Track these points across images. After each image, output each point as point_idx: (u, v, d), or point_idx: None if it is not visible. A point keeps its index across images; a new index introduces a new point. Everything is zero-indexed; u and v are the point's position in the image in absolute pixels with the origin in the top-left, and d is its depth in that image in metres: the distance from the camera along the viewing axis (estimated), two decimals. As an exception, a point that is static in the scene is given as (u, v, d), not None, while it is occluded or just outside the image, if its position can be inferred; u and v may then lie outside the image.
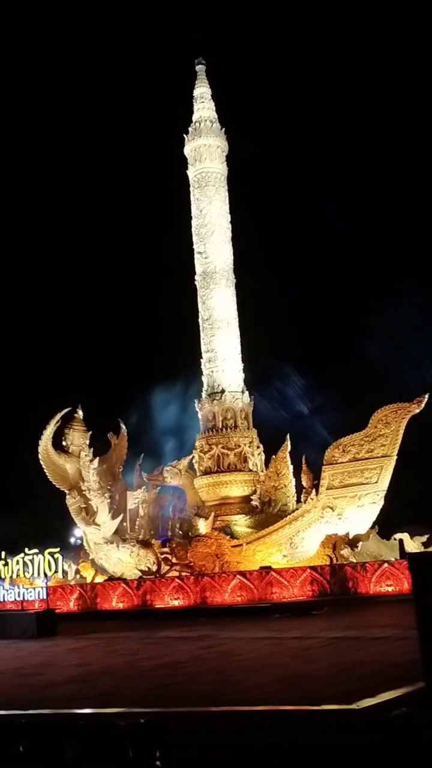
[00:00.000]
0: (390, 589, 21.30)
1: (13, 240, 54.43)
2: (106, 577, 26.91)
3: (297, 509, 26.92)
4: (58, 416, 29.51)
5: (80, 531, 30.93)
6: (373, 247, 45.99)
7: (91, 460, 28.63)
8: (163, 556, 26.36)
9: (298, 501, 28.02)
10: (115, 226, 54.11)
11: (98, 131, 57.98)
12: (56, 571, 20.66)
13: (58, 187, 55.55)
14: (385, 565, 21.85)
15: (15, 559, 20.97)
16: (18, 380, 49.45)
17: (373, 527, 25.79)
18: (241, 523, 28.39)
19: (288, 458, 29.18)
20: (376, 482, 25.52)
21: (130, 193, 55.38)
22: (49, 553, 20.30)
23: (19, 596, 20.94)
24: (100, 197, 55.04)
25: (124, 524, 28.69)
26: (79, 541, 33.77)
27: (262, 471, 30.08)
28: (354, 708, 6.77)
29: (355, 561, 23.10)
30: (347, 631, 14.19)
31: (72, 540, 37.79)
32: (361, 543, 24.38)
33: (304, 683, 8.80)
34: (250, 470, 30.02)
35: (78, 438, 29.54)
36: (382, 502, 25.74)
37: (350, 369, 41.24)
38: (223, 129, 34.77)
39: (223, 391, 31.23)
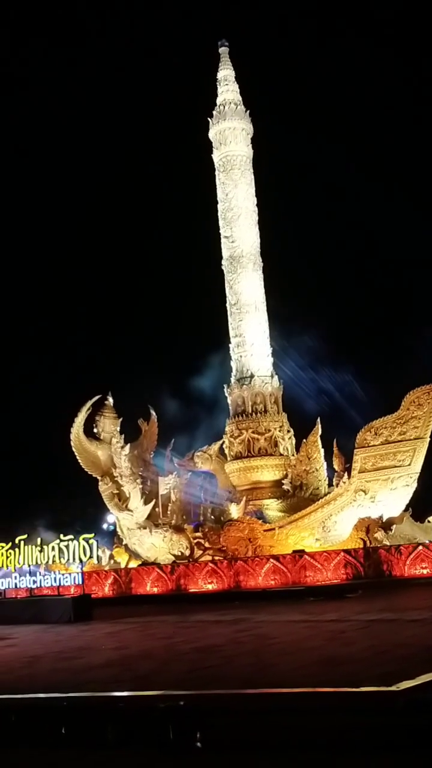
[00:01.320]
0: (425, 571, 21.17)
1: (41, 226, 54.80)
2: (140, 562, 27.14)
3: (329, 493, 26.83)
4: (89, 403, 29.71)
5: (113, 517, 31.22)
6: (405, 227, 45.37)
7: (122, 447, 28.82)
8: (196, 541, 26.51)
9: (330, 485, 27.94)
10: (141, 212, 54.16)
11: (122, 116, 57.94)
12: (91, 557, 20.89)
13: (83, 173, 55.71)
14: (420, 547, 21.70)
15: (50, 545, 21.24)
16: (49, 368, 49.93)
17: (406, 510, 25.62)
18: (272, 507, 28.41)
19: (319, 442, 29.11)
20: (409, 465, 25.30)
21: (155, 178, 55.34)
22: (84, 539, 20.53)
23: (55, 582, 21.23)
24: (125, 182, 55.13)
25: (157, 510, 28.87)
26: (112, 527, 34.12)
27: (293, 455, 30.03)
28: (393, 690, 6.74)
29: (389, 544, 22.99)
30: (383, 614, 14.14)
31: (105, 526, 38.21)
32: (394, 526, 24.25)
33: (341, 666, 8.80)
34: (281, 454, 29.99)
35: (109, 425, 29.72)
36: (415, 485, 25.53)
37: (382, 351, 40.90)
38: (248, 111, 34.45)
39: (252, 376, 31.18)
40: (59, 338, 51.79)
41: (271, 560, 22.93)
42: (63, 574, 21.35)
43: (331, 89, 54.36)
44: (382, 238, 47.22)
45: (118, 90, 59.26)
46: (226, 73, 35.55)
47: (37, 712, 7.96)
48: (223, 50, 35.95)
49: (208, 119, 34.60)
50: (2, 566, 22.21)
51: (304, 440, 29.55)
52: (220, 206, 33.57)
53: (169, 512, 28.91)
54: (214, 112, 34.59)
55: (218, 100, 34.92)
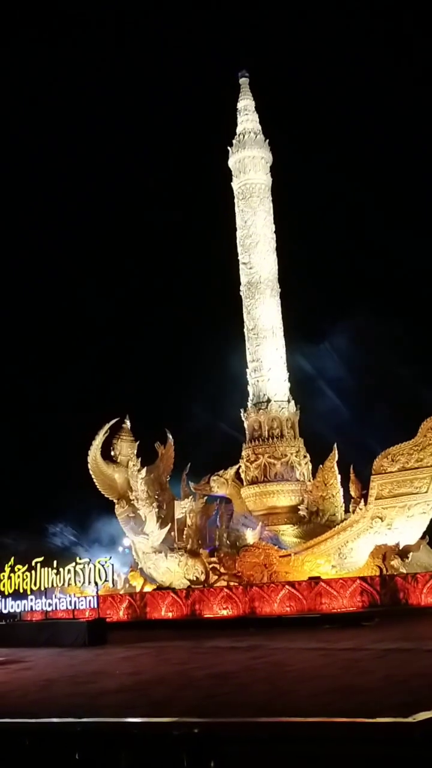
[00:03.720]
0: (442, 600, 20.93)
1: (61, 252, 55.49)
2: (155, 587, 27.05)
3: (345, 519, 26.67)
4: (107, 427, 29.87)
5: (129, 540, 31.19)
6: (426, 255, 45.47)
7: (139, 470, 28.88)
8: (211, 566, 26.39)
9: (347, 511, 27.77)
10: (160, 238, 54.76)
11: (143, 144, 58.85)
12: (107, 580, 20.86)
13: (102, 200, 56.50)
14: (437, 576, 21.47)
15: (66, 568, 21.26)
16: (66, 392, 50.27)
17: (423, 537, 25.36)
18: (288, 533, 28.26)
19: (335, 468, 28.97)
20: (426, 492, 25.09)
21: (174, 206, 56.00)
22: (100, 562, 20.53)
23: (70, 605, 21.21)
24: (145, 209, 55.78)
25: (172, 534, 28.81)
26: (127, 551, 34.05)
27: (310, 481, 29.93)
28: (410, 721, 6.68)
29: (405, 572, 22.77)
30: (400, 643, 14.00)
31: (120, 549, 38.15)
32: (411, 553, 24.01)
33: (357, 695, 8.73)
34: (297, 480, 29.89)
35: (126, 448, 29.85)
36: (432, 512, 25.32)
37: (399, 377, 40.78)
38: (267, 140, 34.93)
39: (268, 401, 31.21)
40: (77, 362, 52.19)
41: (287, 587, 22.77)
42: (78, 598, 21.33)
43: (349, 118, 54.97)
44: (401, 265, 47.33)
45: (139, 119, 60.28)
46: (245, 102, 36.15)
47: (51, 736, 7.94)
48: (243, 80, 36.62)
49: (228, 148, 35.12)
50: (18, 588, 22.24)
51: (321, 466, 29.44)
52: (238, 233, 33.92)
53: (184, 536, 28.84)
54: (234, 141, 35.12)
55: (238, 129, 35.48)
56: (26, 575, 22.05)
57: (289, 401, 31.56)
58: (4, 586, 22.46)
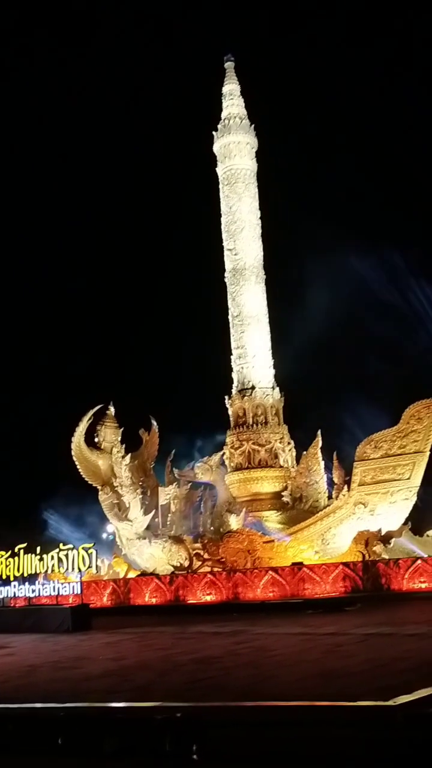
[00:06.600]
0: (423, 585, 21.11)
1: (46, 239, 55.07)
2: (139, 573, 27.08)
3: (328, 505, 26.83)
4: (91, 413, 29.75)
5: (113, 526, 31.18)
6: (412, 239, 45.40)
7: (123, 457, 28.84)
8: (195, 552, 26.45)
9: (330, 497, 27.93)
10: (145, 225, 54.46)
11: (126, 129, 58.33)
12: (90, 566, 20.84)
13: (86, 186, 56.04)
14: (419, 561, 21.66)
15: (50, 554, 21.21)
16: (50, 378, 50.01)
17: (405, 523, 25.59)
18: (272, 519, 28.39)
19: (319, 454, 29.14)
20: (409, 478, 25.31)
21: (158, 191, 55.63)
22: (83, 549, 20.51)
23: (54, 591, 21.18)
24: (128, 195, 55.44)
25: (156, 520, 28.84)
26: (111, 537, 34.06)
27: (293, 467, 30.04)
28: (391, 704, 6.75)
29: (387, 557, 22.96)
30: (381, 628, 14.13)
31: (104, 535, 38.13)
32: (393, 539, 24.22)
33: (339, 679, 8.80)
34: (281, 466, 29.99)
35: (110, 434, 29.76)
36: (414, 498, 25.53)
37: (383, 363, 40.85)
38: (253, 125, 34.66)
39: (253, 388, 31.22)
40: (60, 348, 51.88)
41: (270, 572, 22.89)
42: (62, 584, 21.30)
43: (336, 103, 54.67)
44: (386, 250, 47.26)
45: (122, 103, 59.73)
46: (231, 87, 35.79)
47: (34, 722, 7.96)
48: (229, 65, 36.19)
49: (213, 133, 34.82)
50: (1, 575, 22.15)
51: (305, 452, 29.58)
52: (223, 219, 33.72)
53: (168, 523, 28.88)
54: (219, 126, 34.80)
55: (223, 114, 35.15)
56: (9, 561, 21.97)
57: (273, 388, 31.59)
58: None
